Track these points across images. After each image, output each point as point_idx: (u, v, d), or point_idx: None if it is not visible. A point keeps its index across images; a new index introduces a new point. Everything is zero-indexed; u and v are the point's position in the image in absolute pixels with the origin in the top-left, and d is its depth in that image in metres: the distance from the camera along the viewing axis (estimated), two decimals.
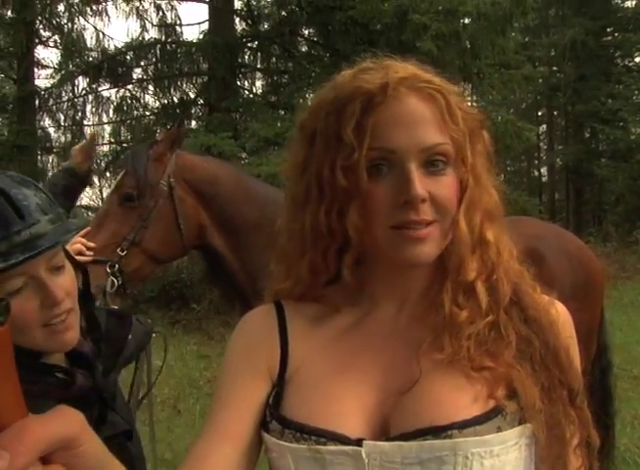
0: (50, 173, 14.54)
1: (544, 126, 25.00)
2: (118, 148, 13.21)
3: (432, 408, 0.90)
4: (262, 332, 1.04)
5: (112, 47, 14.04)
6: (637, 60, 22.20)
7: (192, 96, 13.68)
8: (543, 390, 0.93)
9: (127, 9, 13.98)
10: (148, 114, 13.85)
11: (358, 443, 0.90)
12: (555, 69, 21.43)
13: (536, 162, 26.10)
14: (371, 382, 0.96)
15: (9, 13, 13.43)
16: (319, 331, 1.02)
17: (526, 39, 20.22)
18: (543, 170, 26.41)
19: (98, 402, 1.30)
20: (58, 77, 14.15)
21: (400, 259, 0.95)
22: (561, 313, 1.03)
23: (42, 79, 15.46)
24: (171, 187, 2.80)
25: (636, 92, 19.33)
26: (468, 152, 0.97)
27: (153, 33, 14.14)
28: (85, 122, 14.23)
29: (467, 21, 10.19)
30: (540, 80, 17.47)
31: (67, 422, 0.55)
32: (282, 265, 1.05)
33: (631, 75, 19.78)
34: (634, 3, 21.89)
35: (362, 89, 0.94)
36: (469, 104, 1.01)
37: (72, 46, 13.70)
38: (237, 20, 13.52)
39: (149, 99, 14.18)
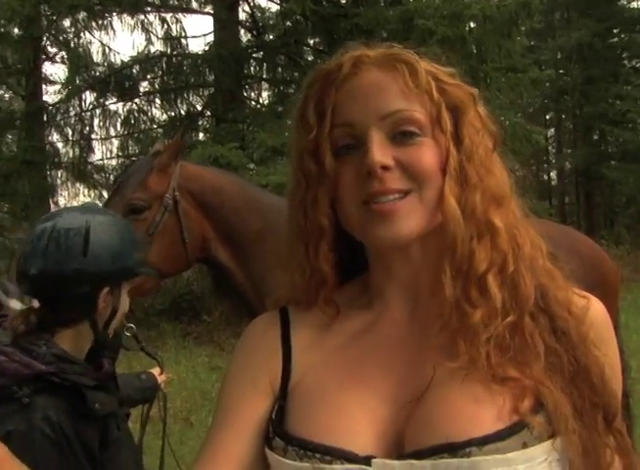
0: (59, 188, 14.63)
1: (552, 130, 24.91)
2: (127, 161, 13.24)
3: (448, 422, 0.81)
4: (263, 342, 0.98)
5: (118, 61, 14.08)
6: None
7: (199, 108, 13.71)
8: (576, 410, 0.83)
9: (132, 22, 14.01)
10: (155, 127, 13.88)
11: (367, 460, 0.82)
12: (562, 71, 21.36)
13: (545, 165, 25.98)
14: (382, 392, 0.87)
15: (15, 30, 13.52)
16: (326, 338, 0.95)
17: (532, 43, 20.15)
18: (552, 174, 26.29)
19: (115, 387, 1.69)
20: (65, 93, 14.22)
21: (374, 242, 0.89)
22: (596, 317, 0.92)
23: (50, 95, 15.55)
24: (176, 200, 2.76)
25: None
26: (446, 121, 0.89)
27: (158, 46, 14.17)
28: (93, 136, 14.29)
29: (472, 25, 10.16)
30: (547, 83, 17.39)
31: None
32: (283, 270, 0.99)
33: (639, 76, 19.68)
34: None
35: (322, 71, 0.94)
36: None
37: (79, 61, 13.74)
38: (242, 31, 13.54)
39: (156, 112, 14.22)
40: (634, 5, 22.13)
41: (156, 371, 2.33)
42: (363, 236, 0.90)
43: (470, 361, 0.84)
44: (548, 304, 0.89)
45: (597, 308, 0.93)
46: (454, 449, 0.79)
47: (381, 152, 0.86)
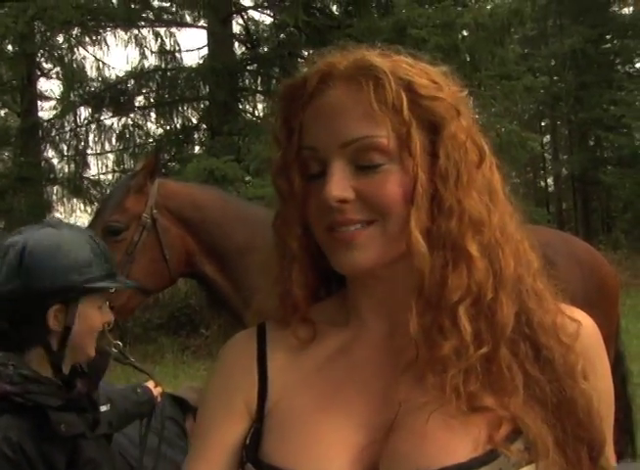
0: (55, 204, 14.61)
1: (548, 136, 24.95)
2: (122, 176, 13.22)
3: (420, 452, 0.77)
4: (239, 363, 0.93)
5: (112, 76, 14.10)
6: (638, 65, 22.23)
7: (194, 121, 13.74)
8: (558, 444, 0.79)
9: (126, 37, 14.05)
10: (151, 141, 13.89)
11: None
12: (556, 78, 21.41)
13: (542, 172, 26.00)
14: (357, 418, 0.84)
15: (9, 46, 13.53)
16: (302, 358, 0.91)
17: (526, 51, 20.23)
18: (549, 181, 26.32)
19: (91, 407, 1.66)
20: (60, 108, 14.22)
21: (338, 268, 0.86)
22: (587, 341, 0.86)
23: (45, 111, 15.56)
24: (154, 219, 2.78)
25: (639, 97, 19.28)
26: (415, 143, 0.82)
27: (152, 61, 14.21)
28: (88, 152, 14.29)
29: (465, 33, 10.19)
30: (542, 90, 17.39)
31: None
32: (265, 284, 0.95)
33: (633, 81, 19.75)
34: (631, 9, 21.96)
35: (290, 85, 0.90)
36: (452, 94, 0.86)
37: (73, 77, 13.75)
38: (236, 44, 13.59)
39: (151, 126, 14.25)
40: (626, 11, 22.25)
41: (150, 384, 2.30)
42: (331, 263, 0.87)
43: (439, 396, 0.80)
44: (533, 330, 0.84)
45: (587, 330, 0.88)
46: None
47: (339, 184, 0.82)
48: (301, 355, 0.91)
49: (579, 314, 0.89)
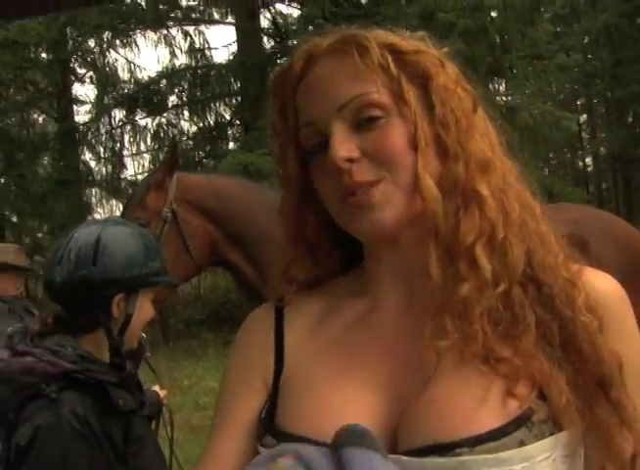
0: (95, 206, 14.85)
1: (585, 115, 24.52)
2: None
3: (438, 423, 0.76)
4: (257, 337, 0.94)
5: (144, 77, 14.29)
6: None
7: (227, 117, 13.83)
8: (569, 383, 0.78)
9: (156, 38, 14.22)
10: (185, 139, 14.02)
11: None
12: (590, 56, 21.03)
13: (580, 152, 25.56)
14: (377, 386, 0.82)
15: (44, 54, 13.79)
16: (319, 329, 0.91)
17: (558, 29, 19.89)
18: (588, 160, 25.86)
19: (137, 389, 1.76)
20: (95, 112, 14.45)
21: (359, 236, 0.86)
22: (594, 287, 0.84)
23: (81, 115, 15.82)
24: (174, 212, 2.87)
25: None
26: (409, 93, 0.83)
27: (183, 59, 14.37)
28: (124, 153, 14.50)
29: (494, 14, 10.04)
30: (576, 69, 17.10)
31: None
32: (280, 261, 0.96)
33: None
34: None
35: (278, 74, 0.91)
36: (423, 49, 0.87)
37: (106, 80, 13.98)
38: (265, 38, 13.63)
39: (185, 124, 14.39)
40: None
41: (156, 388, 2.39)
42: (350, 231, 0.87)
43: (462, 339, 0.79)
44: (533, 269, 0.83)
45: (608, 291, 0.85)
46: (443, 450, 0.75)
47: (343, 145, 0.82)
48: (318, 329, 0.91)
49: (602, 277, 0.87)
